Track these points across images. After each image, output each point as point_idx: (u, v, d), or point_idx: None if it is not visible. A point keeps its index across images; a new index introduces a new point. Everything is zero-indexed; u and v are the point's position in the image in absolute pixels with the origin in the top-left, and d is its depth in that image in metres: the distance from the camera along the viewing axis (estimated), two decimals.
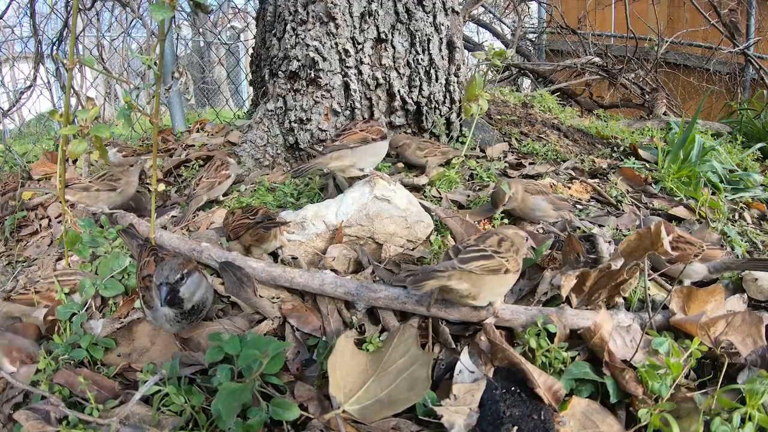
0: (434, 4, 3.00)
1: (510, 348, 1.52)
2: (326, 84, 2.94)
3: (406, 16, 2.94)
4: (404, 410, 1.43)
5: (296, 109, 3.02)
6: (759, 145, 3.92)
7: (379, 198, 2.18)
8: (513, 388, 1.46)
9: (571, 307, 1.76)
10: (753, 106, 5.16)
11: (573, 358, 1.55)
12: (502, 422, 1.38)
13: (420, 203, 2.33)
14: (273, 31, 3.08)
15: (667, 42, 5.94)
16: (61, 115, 1.87)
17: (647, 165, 3.29)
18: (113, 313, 1.97)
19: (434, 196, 2.64)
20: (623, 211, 2.59)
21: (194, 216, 2.63)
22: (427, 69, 3.06)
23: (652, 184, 2.95)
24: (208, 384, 1.53)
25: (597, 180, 3.01)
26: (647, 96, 5.26)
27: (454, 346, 1.67)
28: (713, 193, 2.86)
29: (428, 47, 3.02)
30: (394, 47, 2.96)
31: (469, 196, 2.65)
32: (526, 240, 1.82)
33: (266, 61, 3.20)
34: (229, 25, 7.98)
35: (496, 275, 1.59)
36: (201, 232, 2.42)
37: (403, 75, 3.03)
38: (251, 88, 4.35)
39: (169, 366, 1.50)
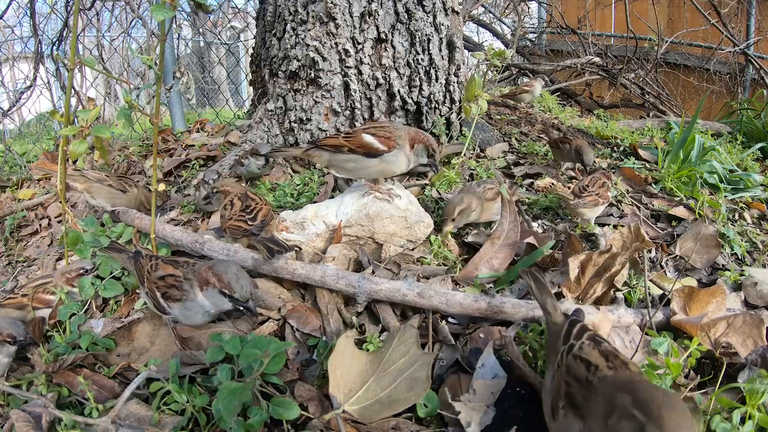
0: (434, 4, 3.00)
1: (526, 367, 1.50)
2: (326, 84, 2.94)
3: (406, 16, 2.94)
4: (404, 410, 1.44)
5: (296, 109, 3.02)
6: (759, 145, 3.91)
7: (379, 198, 2.18)
8: (518, 389, 1.46)
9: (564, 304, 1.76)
10: (753, 106, 5.15)
11: None
12: (509, 422, 1.38)
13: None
14: (273, 31, 3.08)
15: (667, 42, 5.94)
16: (61, 115, 1.87)
17: (647, 165, 3.29)
18: (114, 313, 1.97)
19: (434, 197, 2.64)
20: (623, 211, 2.59)
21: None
22: (427, 69, 3.06)
23: (652, 184, 2.95)
24: (209, 383, 1.53)
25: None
26: (647, 96, 5.26)
27: (453, 342, 1.67)
28: (713, 193, 2.86)
29: (428, 47, 3.02)
30: (394, 47, 2.96)
31: None
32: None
33: (266, 61, 3.20)
34: (229, 25, 7.98)
35: None
36: (200, 233, 2.42)
37: (403, 75, 3.03)
38: (251, 88, 4.35)
39: (173, 364, 1.50)
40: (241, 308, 1.65)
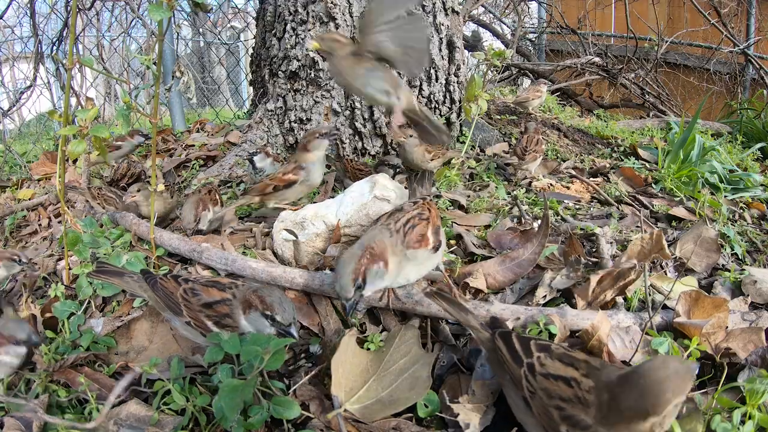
0: (434, 4, 3.01)
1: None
2: (326, 84, 2.94)
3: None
4: (405, 410, 1.43)
5: (296, 109, 3.02)
6: (759, 145, 3.91)
7: (379, 198, 2.17)
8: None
9: (576, 308, 1.75)
10: (753, 106, 5.16)
11: None
12: (509, 422, 1.38)
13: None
14: (273, 31, 3.08)
15: (667, 42, 5.94)
16: (60, 115, 1.87)
17: (647, 165, 3.29)
18: (114, 312, 1.97)
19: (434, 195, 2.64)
20: (624, 211, 2.58)
21: None
22: (427, 69, 3.06)
23: (652, 184, 2.95)
24: (209, 383, 1.53)
25: (597, 180, 3.01)
26: (647, 96, 5.27)
27: (454, 343, 1.67)
28: (713, 193, 2.86)
29: (428, 47, 3.02)
30: None
31: (469, 196, 2.65)
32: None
33: (266, 61, 3.20)
34: (229, 25, 7.98)
35: None
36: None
37: (403, 75, 3.02)
38: (251, 88, 4.35)
39: (176, 365, 1.50)
40: (283, 332, 1.55)
